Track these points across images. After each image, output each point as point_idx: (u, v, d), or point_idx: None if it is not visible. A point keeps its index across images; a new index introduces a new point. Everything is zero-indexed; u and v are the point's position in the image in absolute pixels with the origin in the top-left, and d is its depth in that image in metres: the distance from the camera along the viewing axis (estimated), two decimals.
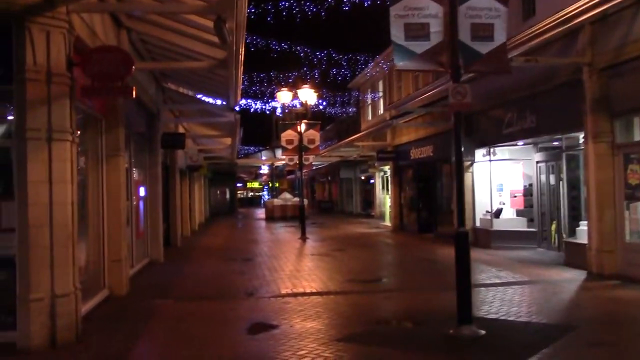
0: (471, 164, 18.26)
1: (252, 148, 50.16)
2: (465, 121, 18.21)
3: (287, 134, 23.59)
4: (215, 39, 9.85)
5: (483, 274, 12.42)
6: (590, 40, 11.76)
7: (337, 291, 10.79)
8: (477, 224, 18.16)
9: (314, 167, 41.58)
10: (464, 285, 7.29)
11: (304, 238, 21.93)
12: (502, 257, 14.93)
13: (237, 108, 17.14)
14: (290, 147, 23.72)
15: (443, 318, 8.17)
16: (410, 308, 9.23)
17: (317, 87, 22.81)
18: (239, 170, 55.19)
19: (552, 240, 15.79)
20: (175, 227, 20.32)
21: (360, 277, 12.61)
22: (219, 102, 17.86)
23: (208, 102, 17.90)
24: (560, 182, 15.08)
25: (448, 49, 7.49)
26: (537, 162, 16.32)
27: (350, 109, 32.92)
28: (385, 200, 31.37)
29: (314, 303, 9.67)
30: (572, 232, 13.81)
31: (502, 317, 8.29)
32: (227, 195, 53.54)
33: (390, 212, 28.33)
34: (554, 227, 15.76)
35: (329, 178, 52.87)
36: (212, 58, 10.92)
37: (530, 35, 12.45)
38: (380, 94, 28.71)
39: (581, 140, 13.33)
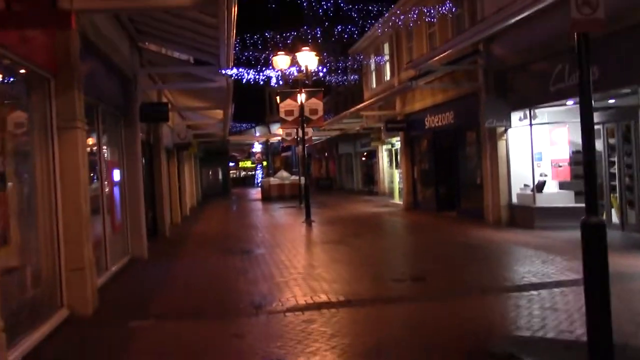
0: (505, 130, 15.59)
1: (244, 125, 47.22)
2: (497, 79, 15.59)
3: (287, 104, 20.84)
4: None
5: (548, 265, 9.85)
6: None
7: (374, 298, 8.18)
8: (515, 200, 15.56)
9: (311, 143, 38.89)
10: (603, 310, 4.67)
11: (309, 221, 19.35)
12: (556, 240, 12.39)
13: (229, 71, 14.36)
14: (290, 118, 21.00)
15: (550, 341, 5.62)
16: (492, 325, 6.58)
17: (318, 49, 19.97)
18: (231, 148, 52.38)
19: (611, 217, 13.23)
20: (162, 214, 17.62)
21: (395, 273, 10.02)
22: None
23: (195, 65, 15.11)
24: (625, 148, 12.53)
25: None
26: None
27: (352, 77, 29.95)
28: (394, 175, 28.72)
29: (349, 320, 7.06)
30: None
31: None
32: (220, 176, 50.74)
33: (401, 188, 25.74)
34: (614, 201, 13.19)
35: (326, 154, 50.27)
36: None
37: None
38: (387, 57, 25.82)
39: None
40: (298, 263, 11.49)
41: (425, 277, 9.50)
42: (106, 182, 10.93)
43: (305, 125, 20.55)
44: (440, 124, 19.68)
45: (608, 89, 11.68)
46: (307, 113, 20.54)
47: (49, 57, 7.47)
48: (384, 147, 31.87)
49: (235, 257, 12.55)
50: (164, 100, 17.59)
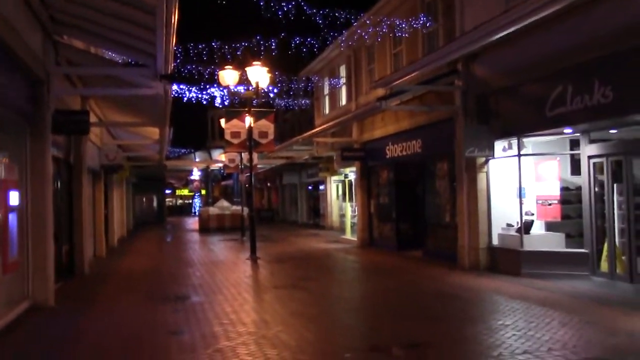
0: (486, 161, 13.65)
1: (183, 150, 44.27)
2: (478, 103, 13.67)
3: (233, 125, 18.42)
4: None
5: (569, 329, 7.70)
6: None
7: None
8: (495, 241, 13.56)
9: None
10: None
11: (254, 258, 16.96)
12: (555, 292, 10.35)
13: (169, 85, 11.91)
14: (236, 141, 18.57)
15: None
16: None
17: (271, 65, 17.77)
18: (168, 175, 49.28)
19: (615, 266, 11.31)
20: (81, 247, 14.82)
21: (379, 336, 7.71)
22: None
23: (125, 67, 12.55)
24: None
25: None
26: (590, 158, 11.82)
27: (303, 102, 27.79)
28: (346, 209, 26.52)
29: None
30: None
31: None
32: (155, 203, 47.74)
33: (354, 223, 23.59)
34: (618, 248, 11.29)
35: (269, 184, 47.87)
36: None
37: None
38: (343, 80, 23.80)
39: None
40: (247, 317, 9.03)
41: (419, 344, 7.20)
42: None
43: (253, 150, 18.20)
44: (404, 153, 17.67)
45: (625, 114, 9.85)
46: (255, 136, 18.20)
47: None
48: (334, 177, 29.77)
49: (167, 307, 9.97)
50: (91, 115, 14.90)
